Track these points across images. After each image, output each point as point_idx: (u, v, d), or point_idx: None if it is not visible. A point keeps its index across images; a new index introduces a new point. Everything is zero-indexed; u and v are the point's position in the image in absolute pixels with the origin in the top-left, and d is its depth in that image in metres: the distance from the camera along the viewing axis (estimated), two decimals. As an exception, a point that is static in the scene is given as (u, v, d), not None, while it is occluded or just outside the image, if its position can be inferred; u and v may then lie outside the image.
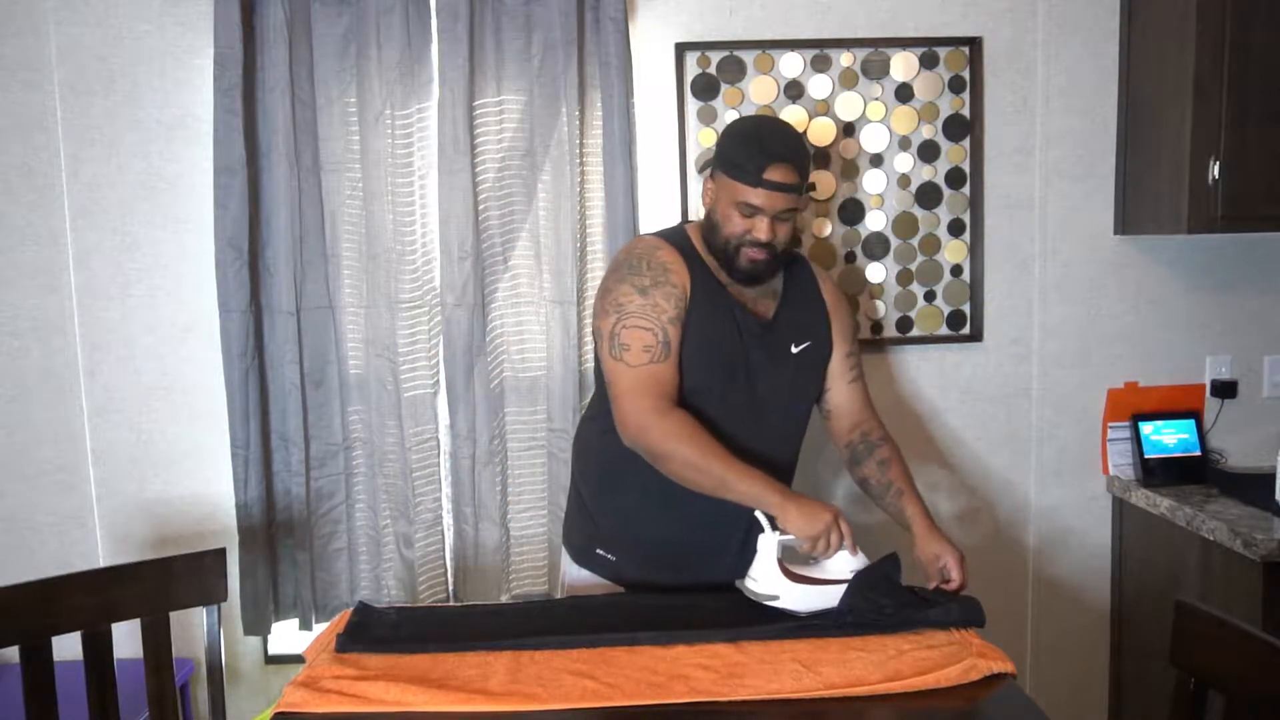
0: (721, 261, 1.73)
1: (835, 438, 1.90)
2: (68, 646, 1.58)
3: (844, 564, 1.56)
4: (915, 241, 2.36)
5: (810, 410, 1.86)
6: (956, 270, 2.38)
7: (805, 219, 2.33)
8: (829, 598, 1.52)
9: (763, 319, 1.76)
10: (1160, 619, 2.22)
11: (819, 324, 1.82)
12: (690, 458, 1.59)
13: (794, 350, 1.77)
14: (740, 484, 1.58)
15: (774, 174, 1.65)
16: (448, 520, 2.28)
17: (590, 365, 2.20)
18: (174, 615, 1.67)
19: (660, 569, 1.75)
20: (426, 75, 2.18)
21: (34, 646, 1.52)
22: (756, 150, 1.66)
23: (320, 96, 2.16)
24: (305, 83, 2.14)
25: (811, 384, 1.83)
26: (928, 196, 2.35)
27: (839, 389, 1.86)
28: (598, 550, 1.80)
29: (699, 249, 1.76)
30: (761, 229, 1.66)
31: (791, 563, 1.57)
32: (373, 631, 1.51)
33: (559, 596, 1.99)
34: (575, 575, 1.85)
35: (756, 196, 1.65)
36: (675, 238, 1.77)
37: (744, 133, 1.71)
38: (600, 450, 1.80)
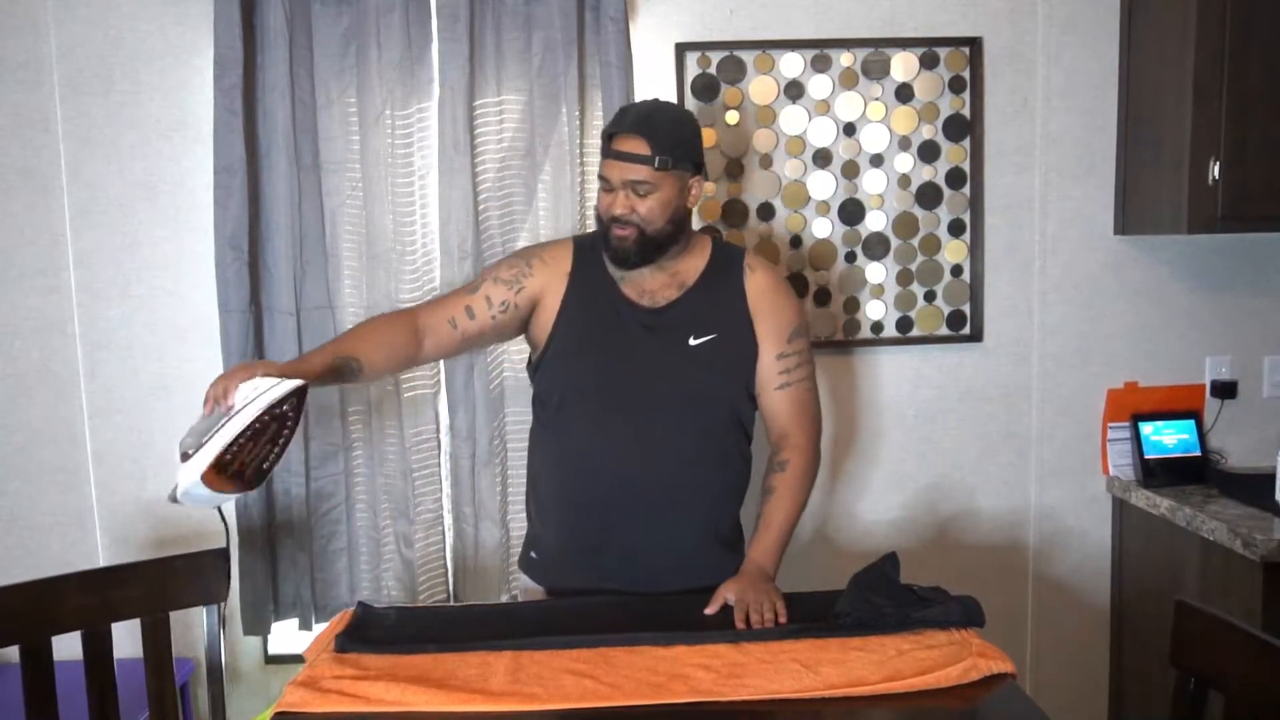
0: (604, 246, 1.73)
1: (768, 442, 1.82)
2: (68, 646, 1.58)
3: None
4: (915, 241, 2.36)
5: (734, 412, 1.75)
6: (956, 270, 2.38)
7: (805, 218, 2.33)
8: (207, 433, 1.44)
9: (654, 308, 1.72)
10: (1160, 619, 2.22)
11: (732, 317, 1.73)
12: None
13: (692, 342, 1.70)
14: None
15: (621, 144, 1.65)
16: (448, 520, 2.28)
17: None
18: (174, 615, 1.67)
19: (581, 571, 1.75)
20: (426, 75, 2.18)
21: (34, 646, 1.52)
22: (612, 123, 1.70)
23: (320, 96, 2.16)
24: (305, 83, 2.14)
25: (722, 379, 1.73)
26: (928, 196, 2.35)
27: (765, 395, 1.77)
28: (530, 552, 1.86)
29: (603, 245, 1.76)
30: (616, 201, 1.66)
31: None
32: (373, 631, 1.51)
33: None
34: (523, 583, 1.90)
35: (605, 167, 1.67)
36: (585, 235, 1.86)
37: (617, 111, 1.76)
38: (531, 459, 1.87)
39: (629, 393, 1.70)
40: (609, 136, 1.67)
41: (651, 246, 1.69)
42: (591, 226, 2.22)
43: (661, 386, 1.70)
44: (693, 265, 1.77)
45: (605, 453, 1.70)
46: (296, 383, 1.48)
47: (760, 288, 1.77)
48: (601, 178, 1.69)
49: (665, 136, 1.65)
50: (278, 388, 1.46)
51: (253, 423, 1.44)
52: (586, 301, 1.74)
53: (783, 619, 1.52)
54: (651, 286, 1.74)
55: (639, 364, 1.70)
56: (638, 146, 1.64)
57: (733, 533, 1.81)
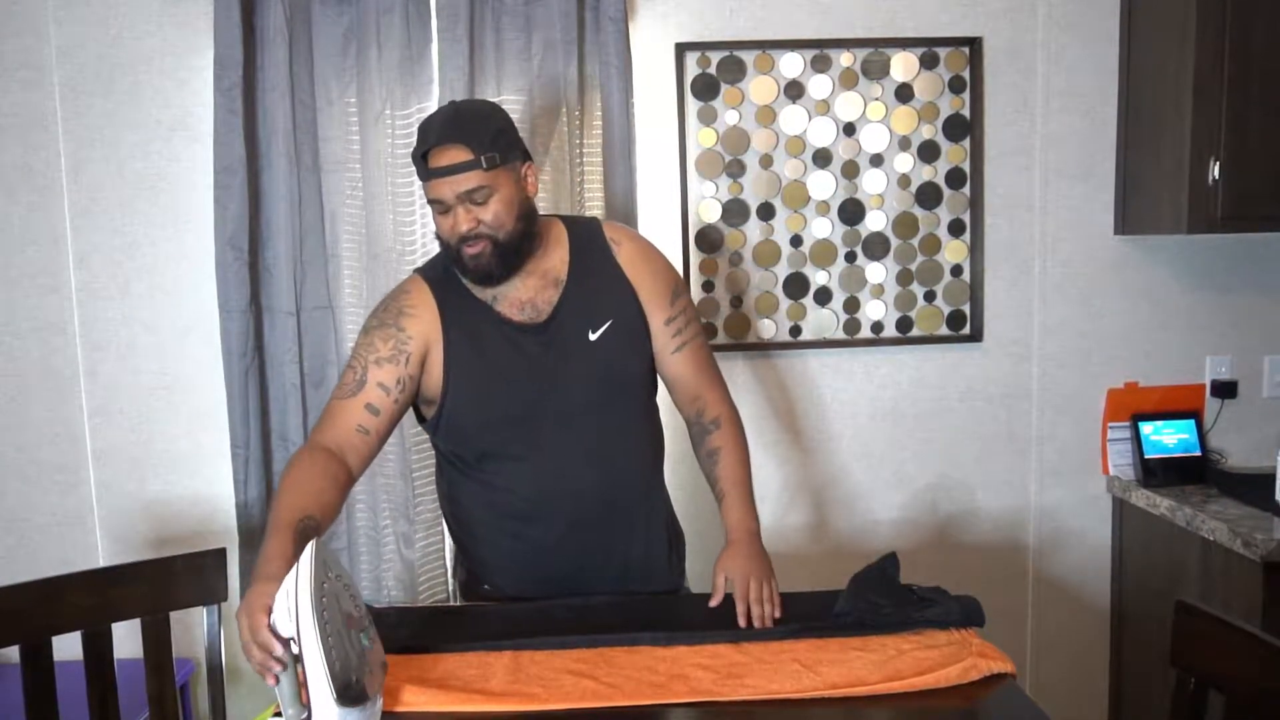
0: (462, 274, 1.56)
1: (679, 411, 1.73)
2: (68, 646, 1.58)
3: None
4: (915, 241, 2.36)
5: (649, 388, 1.68)
6: (956, 270, 2.38)
7: (805, 217, 2.33)
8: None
9: (539, 322, 1.59)
10: (1160, 619, 2.22)
11: (617, 296, 1.62)
12: (282, 480, 1.45)
13: (593, 336, 1.59)
14: (276, 508, 1.37)
15: (439, 158, 1.48)
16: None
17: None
18: (174, 615, 1.67)
19: (540, 585, 1.66)
20: (426, 75, 2.18)
21: (34, 646, 1.52)
22: (418, 143, 1.52)
23: (320, 96, 2.16)
24: (305, 83, 2.14)
25: (630, 362, 1.63)
26: (928, 196, 2.35)
27: (664, 361, 1.67)
28: (484, 585, 1.72)
29: (458, 272, 1.59)
30: (459, 219, 1.49)
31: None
32: (372, 632, 1.50)
33: None
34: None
35: (432, 189, 1.50)
36: (427, 268, 1.65)
37: (418, 129, 1.55)
38: (446, 491, 1.74)
39: (552, 414, 1.58)
40: (422, 156, 1.50)
41: (511, 253, 1.54)
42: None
43: (581, 393, 1.59)
44: (557, 258, 1.62)
45: (553, 481, 1.60)
46: (308, 555, 1.20)
47: (631, 257, 1.66)
48: (433, 201, 1.51)
49: (481, 134, 1.50)
50: (300, 579, 1.18)
51: (317, 626, 1.15)
52: (470, 339, 1.57)
53: (777, 613, 1.50)
54: (526, 296, 1.59)
55: (550, 383, 1.58)
56: (458, 155, 1.48)
57: (666, 505, 1.76)
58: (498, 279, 1.55)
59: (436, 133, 1.50)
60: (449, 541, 2.28)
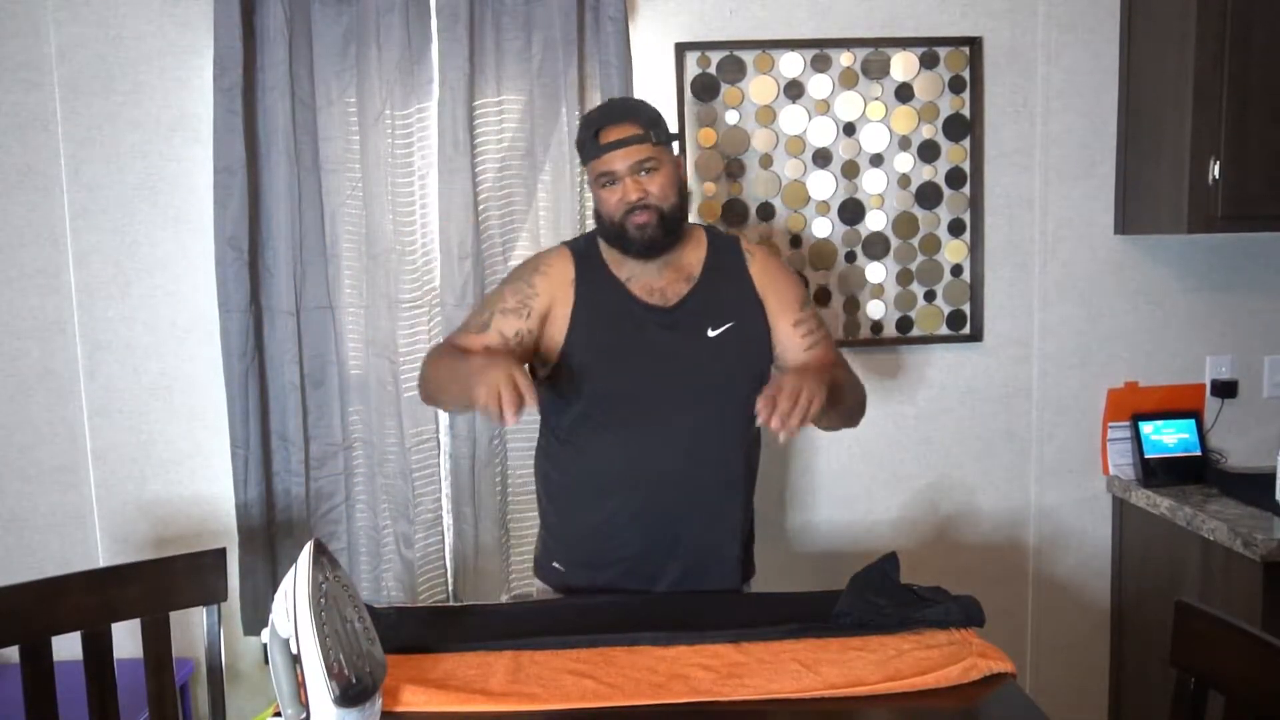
0: (620, 248, 1.69)
1: None
2: (68, 646, 1.58)
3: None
4: (915, 241, 2.36)
5: (756, 392, 1.67)
6: (956, 270, 2.38)
7: (805, 217, 2.33)
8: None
9: (666, 306, 1.70)
10: (1160, 619, 2.22)
11: (744, 303, 1.73)
12: (428, 370, 1.66)
13: (711, 334, 1.69)
14: (454, 367, 1.56)
15: (612, 134, 1.64)
16: (448, 520, 2.28)
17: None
18: (174, 615, 1.67)
19: (622, 579, 1.72)
20: (426, 75, 2.18)
21: (34, 646, 1.52)
22: (587, 125, 1.70)
23: (320, 96, 2.16)
24: (305, 83, 2.14)
25: (743, 367, 1.71)
26: (928, 196, 2.35)
27: (798, 357, 1.75)
28: (554, 563, 1.79)
29: (602, 246, 1.73)
30: (629, 189, 1.63)
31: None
32: (372, 631, 1.50)
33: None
34: (540, 584, 1.85)
35: (604, 163, 1.65)
36: (576, 241, 1.81)
37: (581, 121, 1.77)
38: (540, 462, 1.83)
39: (656, 395, 1.68)
40: (594, 134, 1.66)
41: (672, 225, 1.68)
42: (591, 226, 2.23)
43: (688, 382, 1.68)
44: (694, 256, 1.75)
45: (642, 459, 1.68)
46: (306, 556, 1.22)
47: (763, 268, 1.77)
48: (603, 174, 1.65)
49: (647, 113, 1.69)
50: (298, 579, 1.20)
51: (315, 626, 1.17)
52: (597, 308, 1.69)
53: (801, 420, 1.46)
54: (660, 284, 1.71)
55: (662, 364, 1.68)
56: (629, 129, 1.64)
57: (751, 514, 1.83)
58: (660, 249, 1.68)
59: (605, 113, 1.69)
60: (449, 542, 2.29)
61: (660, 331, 1.69)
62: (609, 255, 1.73)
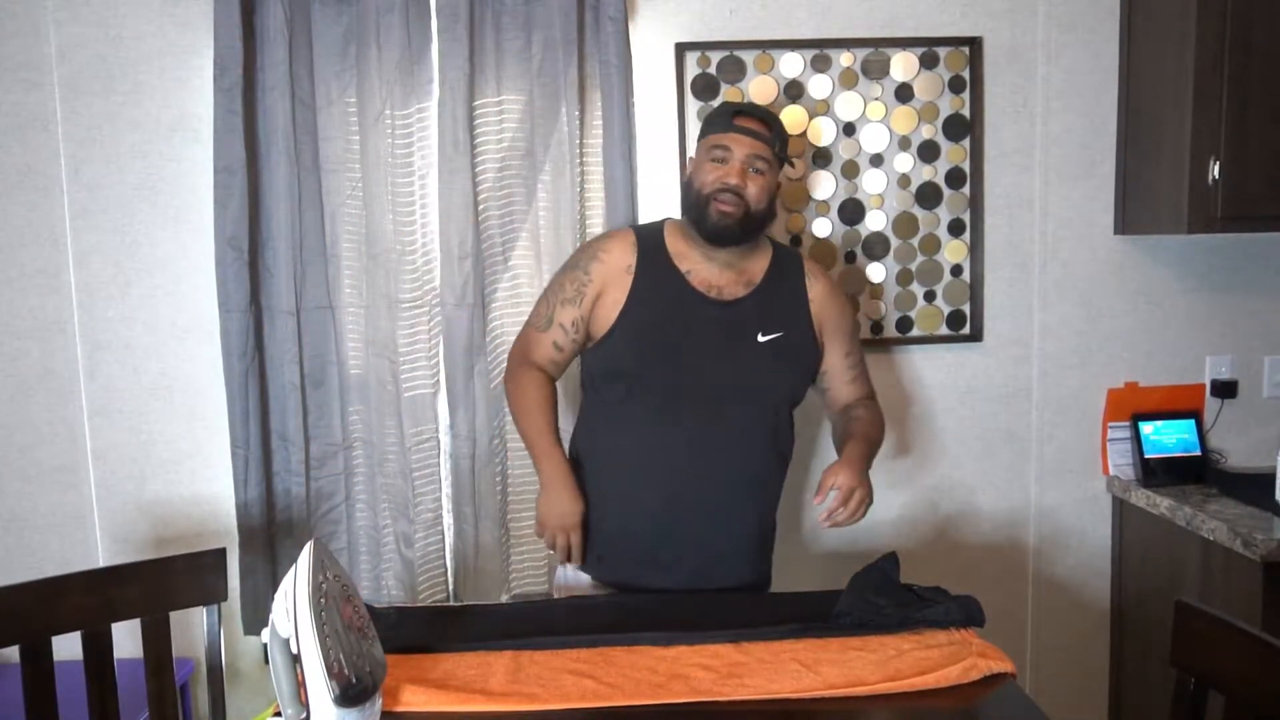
0: (695, 223, 1.76)
1: (828, 411, 1.95)
2: (68, 646, 1.58)
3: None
4: (915, 241, 2.36)
5: (790, 409, 1.83)
6: (956, 270, 2.38)
7: (805, 218, 2.33)
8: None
9: (723, 301, 1.76)
10: (1160, 619, 2.23)
11: (797, 318, 1.81)
12: (513, 397, 1.82)
13: (761, 339, 1.76)
14: (530, 435, 1.77)
15: (744, 121, 1.74)
16: (448, 520, 2.28)
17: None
18: (174, 615, 1.67)
19: (638, 564, 1.77)
20: (426, 75, 2.18)
21: (34, 646, 1.52)
22: (729, 106, 1.81)
23: (320, 96, 2.16)
24: (305, 83, 2.14)
25: (785, 377, 1.80)
26: (928, 196, 2.35)
27: (839, 388, 1.90)
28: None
29: (667, 236, 1.82)
30: (732, 172, 1.72)
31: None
32: (373, 631, 1.50)
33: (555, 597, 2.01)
34: (563, 577, 1.88)
35: (727, 138, 1.73)
36: (644, 226, 1.89)
37: (723, 103, 1.90)
38: (578, 428, 1.89)
39: (697, 383, 1.73)
40: (732, 114, 1.75)
41: (752, 226, 1.75)
42: (591, 226, 2.23)
43: (730, 378, 1.74)
44: (758, 264, 1.82)
45: (670, 443, 1.73)
46: (306, 556, 1.21)
47: (823, 293, 1.86)
48: (718, 147, 1.73)
49: (778, 128, 1.79)
50: (298, 580, 1.19)
51: (315, 626, 1.16)
52: (654, 292, 1.75)
53: (855, 517, 1.64)
54: (720, 282, 1.78)
55: (709, 355, 1.74)
56: (761, 127, 1.74)
57: (773, 525, 1.88)
58: (729, 242, 1.75)
59: (749, 108, 1.80)
60: (449, 541, 2.28)
61: (711, 325, 1.74)
62: (674, 246, 1.81)
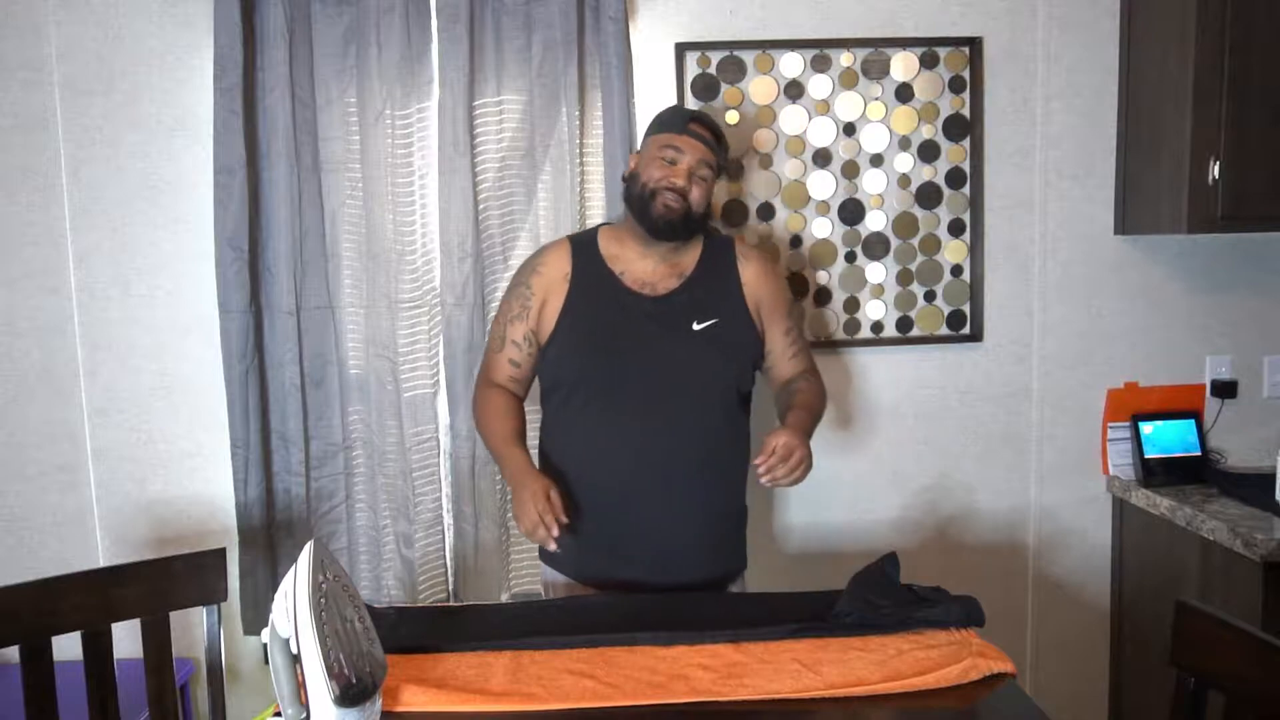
0: (639, 216, 1.80)
1: (772, 388, 1.94)
2: (68, 646, 1.58)
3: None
4: (915, 241, 2.36)
5: (738, 390, 1.83)
6: (956, 270, 2.38)
7: (805, 217, 2.33)
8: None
9: (656, 296, 1.80)
10: (1160, 619, 2.22)
11: (731, 303, 1.84)
12: (477, 415, 1.85)
13: (696, 327, 1.79)
14: (493, 444, 1.79)
15: (698, 127, 1.81)
16: (448, 520, 2.28)
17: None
18: (174, 615, 1.67)
19: (593, 560, 1.80)
20: (426, 75, 2.18)
21: (34, 646, 1.52)
22: (684, 110, 1.88)
23: (320, 96, 2.16)
24: (305, 83, 2.14)
25: (723, 361, 1.81)
26: (928, 196, 2.35)
27: (781, 365, 1.91)
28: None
29: (601, 240, 1.87)
30: (680, 174, 1.77)
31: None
32: (372, 631, 1.50)
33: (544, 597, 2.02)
34: (545, 574, 1.92)
35: (681, 140, 1.79)
36: (578, 234, 1.95)
37: (678, 107, 1.95)
38: (540, 440, 1.92)
39: (637, 379, 1.76)
40: (687, 118, 1.81)
41: (690, 225, 1.81)
42: (593, 223, 2.23)
43: (668, 371, 1.76)
44: (690, 255, 1.86)
45: (618, 440, 1.76)
46: (306, 556, 1.21)
47: (756, 274, 1.88)
48: (669, 147, 1.79)
49: (724, 143, 1.88)
50: (298, 580, 1.19)
51: (315, 626, 1.16)
52: (589, 296, 1.81)
53: (790, 476, 1.62)
54: (653, 278, 1.82)
55: (645, 351, 1.77)
56: (712, 139, 1.82)
57: (740, 509, 1.90)
58: (669, 237, 1.81)
59: (701, 118, 1.85)
60: (449, 541, 2.28)
61: (645, 320, 1.78)
62: (607, 249, 1.84)
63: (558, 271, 1.83)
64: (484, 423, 1.83)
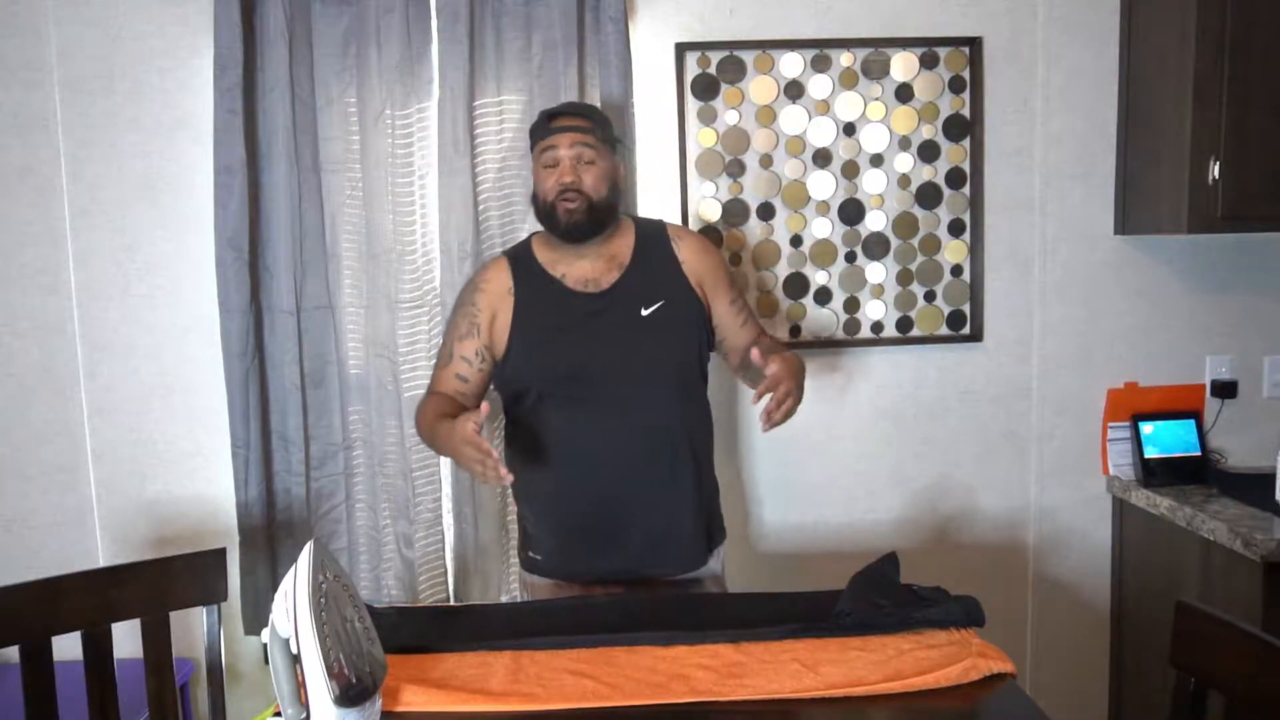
0: (549, 228, 1.81)
1: (730, 364, 1.95)
2: (68, 646, 1.58)
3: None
4: (915, 241, 2.36)
5: (696, 367, 1.85)
6: (956, 270, 2.38)
7: (805, 217, 2.33)
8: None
9: (598, 292, 1.80)
10: (1160, 619, 2.22)
11: (672, 283, 1.84)
12: (416, 420, 1.82)
13: (644, 312, 1.79)
14: (427, 430, 1.75)
15: (561, 121, 1.80)
16: (448, 520, 2.28)
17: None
18: (174, 615, 1.67)
19: (577, 559, 1.82)
20: (426, 75, 2.18)
21: (34, 646, 1.52)
22: (545, 112, 1.86)
23: (320, 96, 2.16)
24: (305, 83, 2.14)
25: (677, 340, 1.83)
26: (928, 196, 2.35)
27: (734, 333, 1.90)
28: (529, 552, 1.89)
29: (536, 249, 1.86)
30: (565, 171, 1.76)
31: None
32: (373, 631, 1.50)
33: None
34: (526, 578, 1.93)
35: (549, 141, 1.78)
36: (512, 248, 1.93)
37: (540, 113, 1.90)
38: (505, 452, 1.92)
39: (598, 374, 1.77)
40: (548, 118, 1.81)
41: (601, 215, 1.80)
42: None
43: (627, 360, 1.77)
44: (623, 245, 1.86)
45: (588, 436, 1.77)
46: (306, 556, 1.21)
47: (692, 250, 1.89)
48: (547, 152, 1.78)
49: (598, 117, 1.85)
50: (298, 580, 1.19)
51: (315, 626, 1.16)
52: (536, 304, 1.81)
53: (791, 403, 1.61)
54: (592, 274, 1.82)
55: (601, 345, 1.78)
56: (577, 121, 1.80)
57: (712, 485, 1.91)
58: (585, 235, 1.80)
59: (563, 107, 1.86)
60: (449, 542, 2.28)
61: (594, 317, 1.79)
62: (543, 255, 1.85)
63: (500, 286, 1.83)
64: (419, 421, 1.81)
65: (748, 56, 2.28)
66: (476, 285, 1.87)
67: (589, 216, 1.78)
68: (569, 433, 1.78)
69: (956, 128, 2.33)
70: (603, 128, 1.83)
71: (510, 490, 1.96)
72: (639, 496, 1.78)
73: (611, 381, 1.77)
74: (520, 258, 1.87)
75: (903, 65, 2.31)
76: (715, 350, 1.93)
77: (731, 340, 1.91)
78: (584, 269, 1.82)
